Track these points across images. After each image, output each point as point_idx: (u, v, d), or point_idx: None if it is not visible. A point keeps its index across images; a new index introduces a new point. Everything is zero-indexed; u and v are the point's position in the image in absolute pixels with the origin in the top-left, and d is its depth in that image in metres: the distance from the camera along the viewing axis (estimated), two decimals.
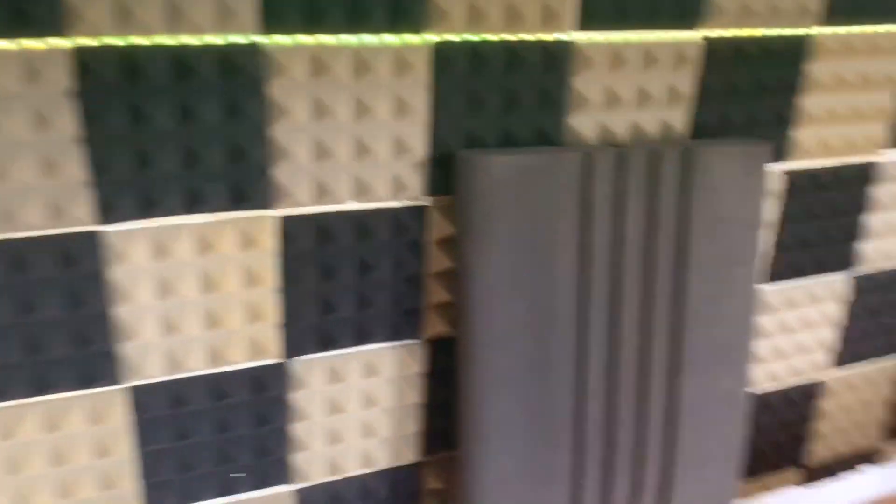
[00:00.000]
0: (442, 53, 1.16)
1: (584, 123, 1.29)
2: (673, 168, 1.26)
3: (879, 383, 1.85)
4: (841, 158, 1.54)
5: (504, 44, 1.19)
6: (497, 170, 1.17)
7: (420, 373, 1.36)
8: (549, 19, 1.20)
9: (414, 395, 1.37)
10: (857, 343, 1.76)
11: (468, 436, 1.31)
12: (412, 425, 1.40)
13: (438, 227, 1.27)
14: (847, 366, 1.78)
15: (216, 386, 1.22)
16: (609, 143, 1.31)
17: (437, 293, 1.31)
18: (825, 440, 1.84)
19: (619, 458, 1.37)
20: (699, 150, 1.26)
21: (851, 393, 1.82)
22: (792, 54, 1.40)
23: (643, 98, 1.31)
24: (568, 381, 1.29)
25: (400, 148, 1.19)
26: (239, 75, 1.05)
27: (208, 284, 1.15)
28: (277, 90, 1.08)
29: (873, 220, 1.63)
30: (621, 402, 1.34)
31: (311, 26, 1.07)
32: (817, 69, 1.43)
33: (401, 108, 1.16)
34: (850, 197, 1.58)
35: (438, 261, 1.29)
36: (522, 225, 1.20)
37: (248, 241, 1.15)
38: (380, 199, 1.21)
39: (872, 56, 1.46)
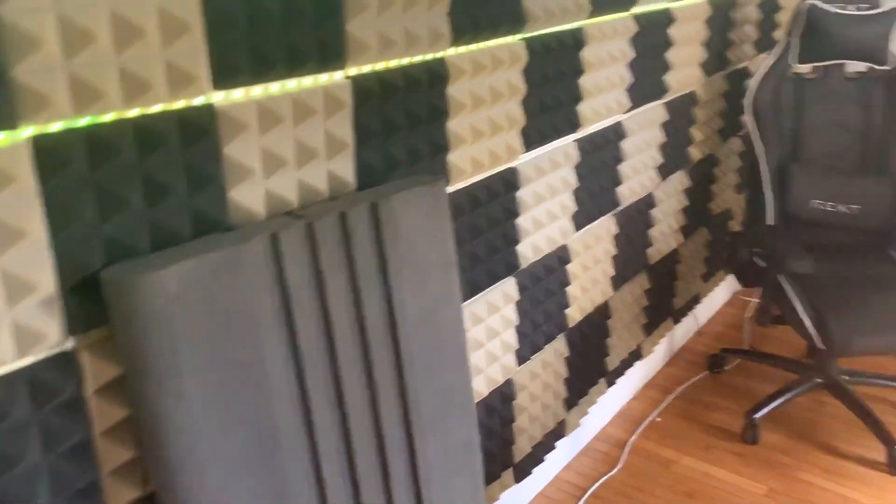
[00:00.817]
0: (48, 149, 0.84)
1: (248, 195, 1.07)
2: (362, 226, 1.11)
3: (554, 363, 1.97)
4: (488, 171, 1.56)
5: (131, 122, 0.92)
6: (162, 284, 0.90)
7: None
8: (181, 84, 0.95)
9: None
10: (530, 335, 1.84)
11: None
12: None
13: (99, 372, 0.95)
14: (528, 359, 1.85)
15: None
16: (285, 212, 1.12)
17: (116, 453, 0.99)
18: (524, 433, 1.91)
19: None
20: (384, 202, 1.13)
21: (535, 382, 1.91)
22: (433, 79, 1.35)
23: (305, 153, 1.15)
24: (308, 500, 1.09)
25: (16, 286, 0.85)
26: None
27: None
28: None
29: (522, 220, 1.70)
30: (365, 490, 1.18)
31: None
32: (455, 91, 1.41)
33: (2, 232, 0.82)
34: (502, 205, 1.62)
35: (108, 413, 0.97)
36: (211, 339, 0.96)
37: None
38: (2, 363, 0.86)
39: (496, 70, 1.49)
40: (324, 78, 1.16)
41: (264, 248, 1.00)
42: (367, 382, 1.15)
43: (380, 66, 1.25)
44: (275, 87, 1.09)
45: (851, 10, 2.34)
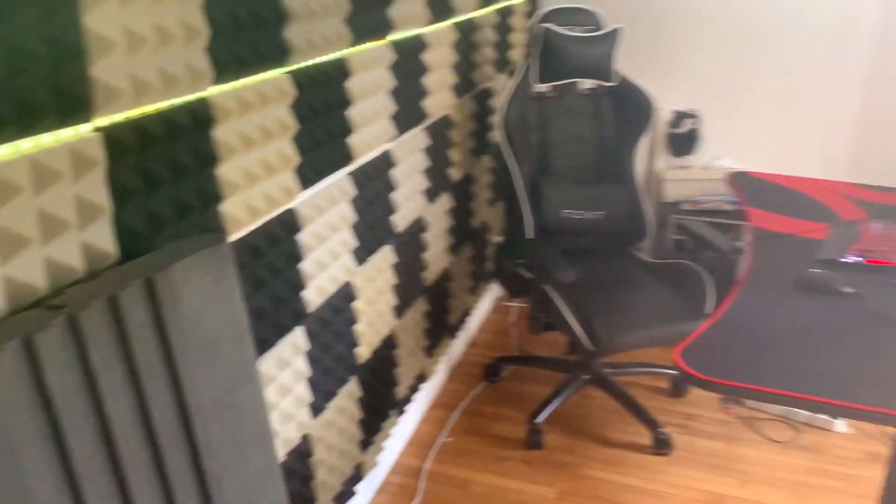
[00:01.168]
0: None
1: None
2: (137, 309, 0.94)
3: (348, 407, 1.88)
4: (266, 216, 1.42)
5: None
6: None
7: None
8: None
9: None
10: (323, 384, 1.73)
11: None
12: None
13: None
14: (323, 409, 1.74)
15: None
16: (34, 301, 0.90)
17: None
18: (325, 486, 1.80)
19: None
20: (160, 276, 0.96)
21: (331, 431, 1.80)
22: (196, 123, 1.19)
23: (52, 226, 0.94)
24: None
25: None
26: None
27: None
28: None
29: (306, 264, 1.58)
30: None
31: None
32: (223, 133, 1.26)
33: None
34: (283, 251, 1.49)
35: None
36: None
37: None
38: None
39: (264, 107, 1.36)
40: (68, 133, 0.96)
41: (15, 356, 0.79)
42: (163, 489, 0.97)
43: (135, 113, 1.07)
44: (5, 151, 0.87)
45: (579, 32, 2.52)
